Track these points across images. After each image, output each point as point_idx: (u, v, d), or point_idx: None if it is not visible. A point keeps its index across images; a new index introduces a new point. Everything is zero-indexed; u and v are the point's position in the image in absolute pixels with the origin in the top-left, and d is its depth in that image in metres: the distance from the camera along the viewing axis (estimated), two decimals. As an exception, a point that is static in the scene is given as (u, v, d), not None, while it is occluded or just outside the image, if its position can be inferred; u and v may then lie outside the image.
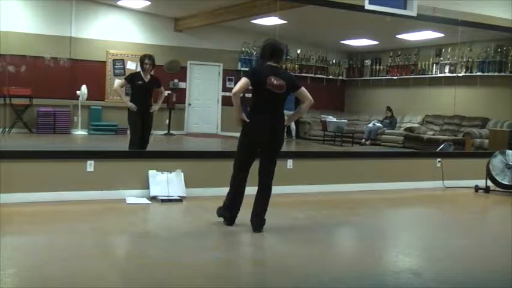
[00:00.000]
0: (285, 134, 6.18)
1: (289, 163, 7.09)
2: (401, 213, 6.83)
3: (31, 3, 11.63)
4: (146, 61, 7.06)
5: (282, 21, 9.81)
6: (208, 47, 13.24)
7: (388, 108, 13.53)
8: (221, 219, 5.10)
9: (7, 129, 10.99)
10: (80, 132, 11.64)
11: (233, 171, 5.00)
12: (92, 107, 12.06)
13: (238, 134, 5.05)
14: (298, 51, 14.54)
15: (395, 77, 13.99)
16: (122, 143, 7.22)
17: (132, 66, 11.90)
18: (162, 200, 6.10)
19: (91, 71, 12.07)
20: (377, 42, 13.70)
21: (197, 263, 3.99)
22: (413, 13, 8.32)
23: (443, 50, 12.76)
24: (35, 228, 4.88)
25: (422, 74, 13.25)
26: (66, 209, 5.61)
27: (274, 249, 4.66)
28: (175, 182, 6.31)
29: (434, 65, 12.98)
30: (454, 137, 11.64)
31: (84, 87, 11.39)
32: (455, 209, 7.01)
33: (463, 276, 4.00)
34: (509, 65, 11.52)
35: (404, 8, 8.33)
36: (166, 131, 12.45)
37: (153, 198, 6.15)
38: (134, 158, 6.52)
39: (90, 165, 6.06)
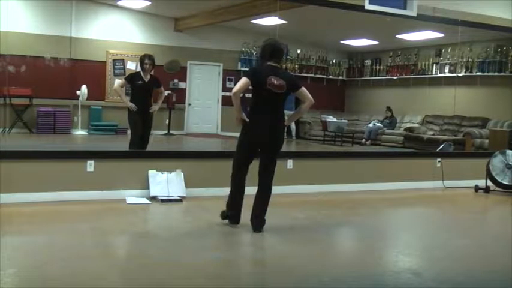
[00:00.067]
0: (285, 134, 6.18)
1: (289, 163, 7.09)
2: (401, 213, 6.83)
3: (31, 3, 11.63)
4: (146, 61, 7.06)
5: (282, 21, 9.81)
6: (208, 47, 13.24)
7: (388, 108, 13.54)
8: (221, 220, 5.09)
9: (7, 129, 10.99)
10: (80, 132, 11.64)
11: (232, 170, 5.00)
12: (92, 107, 12.06)
13: (238, 134, 5.05)
14: (298, 51, 14.55)
15: (395, 77, 13.99)
16: (122, 143, 7.22)
17: (132, 66, 11.90)
18: (162, 200, 6.10)
19: (91, 71, 12.07)
20: (377, 42, 13.70)
21: (197, 263, 3.99)
22: (413, 13, 8.32)
23: (443, 50, 12.76)
24: (35, 228, 4.88)
25: (422, 74, 13.25)
26: (66, 209, 5.61)
27: (274, 249, 4.66)
28: (175, 182, 6.31)
29: (434, 65, 12.98)
30: (454, 137, 11.64)
31: (84, 87, 11.39)
32: (455, 209, 7.01)
33: (463, 276, 4.00)
34: (509, 65, 11.52)
35: (404, 8, 8.33)
36: (166, 131, 12.45)
37: (153, 198, 6.15)
38: (134, 158, 6.52)
39: (90, 165, 6.06)
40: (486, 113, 11.80)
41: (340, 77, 15.25)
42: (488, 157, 7.87)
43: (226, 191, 5.55)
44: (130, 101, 7.09)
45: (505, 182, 7.62)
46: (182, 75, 13.29)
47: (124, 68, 12.40)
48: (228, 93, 11.80)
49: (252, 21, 11.58)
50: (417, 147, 11.71)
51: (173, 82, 13.03)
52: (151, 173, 6.28)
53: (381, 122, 13.58)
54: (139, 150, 6.87)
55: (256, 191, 4.95)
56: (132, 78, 7.19)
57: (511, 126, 10.84)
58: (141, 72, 7.13)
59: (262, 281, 3.79)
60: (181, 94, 13.24)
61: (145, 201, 6.05)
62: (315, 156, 8.04)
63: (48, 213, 5.44)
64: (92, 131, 11.84)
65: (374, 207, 6.74)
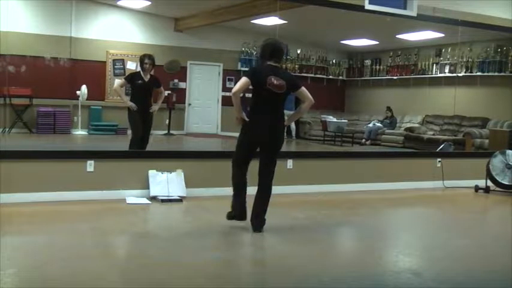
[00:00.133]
0: (285, 134, 6.18)
1: (289, 163, 7.09)
2: (401, 213, 6.83)
3: (31, 3, 11.63)
4: (146, 61, 7.06)
5: (282, 21, 9.81)
6: (208, 47, 13.24)
7: (388, 108, 13.54)
8: (223, 220, 5.08)
9: (7, 129, 10.99)
10: (80, 132, 11.64)
11: (232, 170, 4.98)
12: (92, 107, 12.06)
13: (238, 134, 5.05)
14: (298, 51, 14.55)
15: (395, 77, 13.99)
16: (122, 143, 7.22)
17: (132, 66, 11.90)
18: (162, 200, 6.10)
19: (91, 71, 12.07)
20: (377, 42, 13.70)
21: (197, 263, 3.99)
22: (413, 13, 8.32)
23: (443, 50, 12.76)
24: (35, 228, 4.88)
25: (422, 74, 13.25)
26: (66, 209, 5.61)
27: (274, 249, 4.66)
28: (175, 182, 6.31)
29: (434, 65, 12.98)
30: (454, 137, 11.64)
31: (84, 87, 11.39)
32: (455, 209, 7.01)
33: (463, 276, 4.00)
34: (509, 65, 11.52)
35: (404, 8, 8.33)
36: (166, 131, 12.45)
37: (153, 198, 6.15)
38: (134, 158, 6.52)
39: (90, 165, 6.06)
40: (486, 113, 11.80)
41: (340, 77, 15.25)
42: (488, 157, 7.87)
43: (226, 191, 5.56)
44: (130, 100, 7.10)
45: (505, 182, 7.62)
46: (182, 75, 13.29)
47: (124, 68, 12.40)
48: (228, 93, 11.80)
49: (252, 21, 11.58)
50: (417, 147, 11.71)
51: (173, 82, 13.03)
52: (151, 173, 6.28)
53: (381, 122, 13.58)
54: (139, 150, 6.88)
55: (256, 191, 4.94)
56: (132, 78, 7.20)
57: (511, 126, 10.84)
58: (141, 72, 7.13)
59: (262, 281, 3.79)
60: (181, 94, 13.24)
61: (145, 201, 6.05)
62: (315, 156, 8.04)
63: (48, 213, 5.44)
64: (92, 131, 11.84)
65: (374, 207, 6.74)
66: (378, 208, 6.77)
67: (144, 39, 12.62)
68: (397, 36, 12.27)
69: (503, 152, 7.78)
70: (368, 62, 14.84)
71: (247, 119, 4.82)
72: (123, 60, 12.53)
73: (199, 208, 6.03)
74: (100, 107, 12.19)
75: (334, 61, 15.14)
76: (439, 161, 8.23)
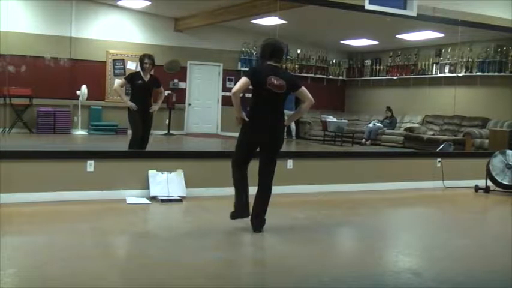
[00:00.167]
0: (285, 134, 6.18)
1: (289, 163, 7.09)
2: (401, 213, 6.83)
3: (31, 3, 11.63)
4: (146, 60, 7.06)
5: (282, 21, 9.81)
6: (208, 47, 13.24)
7: (388, 108, 13.54)
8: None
9: (7, 129, 10.99)
10: (80, 132, 11.64)
11: (232, 169, 4.98)
12: (92, 107, 12.06)
13: (238, 134, 5.04)
14: (298, 51, 14.55)
15: (395, 77, 13.99)
16: (122, 143, 7.22)
17: (132, 66, 11.90)
18: (162, 200, 6.10)
19: (91, 71, 12.07)
20: (377, 42, 13.70)
21: (197, 263, 3.99)
22: (413, 13, 8.32)
23: (443, 50, 12.75)
24: (35, 228, 4.88)
25: (422, 74, 13.25)
26: (66, 209, 5.61)
27: (274, 249, 4.66)
28: (175, 182, 6.31)
29: (434, 65, 12.98)
30: (454, 137, 11.64)
31: (84, 87, 11.39)
32: (455, 209, 7.01)
33: (463, 276, 4.00)
34: (509, 65, 11.52)
35: (404, 8, 8.33)
36: (166, 131, 12.45)
37: (153, 198, 6.15)
38: (134, 158, 6.52)
39: (90, 165, 6.06)
40: (486, 113, 11.80)
41: (340, 77, 15.25)
42: (488, 157, 7.87)
43: (226, 191, 5.57)
44: (130, 100, 7.10)
45: (505, 182, 7.62)
46: (182, 75, 13.28)
47: (124, 68, 12.40)
48: (228, 93, 11.79)
49: (252, 21, 11.58)
50: (417, 147, 11.71)
51: (173, 82, 13.03)
52: (151, 173, 6.28)
53: (381, 122, 13.58)
54: (139, 150, 6.87)
55: (256, 191, 4.93)
56: (132, 78, 7.20)
57: (511, 126, 10.84)
58: (141, 72, 7.13)
59: (262, 281, 3.79)
60: (181, 94, 13.24)
61: (145, 201, 6.05)
62: (315, 156, 8.04)
63: (48, 213, 5.44)
64: (92, 131, 11.84)
65: (374, 207, 6.74)
66: (378, 208, 6.77)
67: (144, 39, 12.62)
68: (397, 36, 12.27)
69: (503, 152, 7.78)
70: (368, 62, 14.83)
71: (247, 119, 4.82)
72: (123, 60, 12.53)
73: (199, 208, 6.03)
74: (100, 107, 12.19)
75: (334, 61, 15.13)
76: (439, 161, 8.23)
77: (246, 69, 12.51)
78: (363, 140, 13.23)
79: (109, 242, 4.61)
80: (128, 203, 5.92)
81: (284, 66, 12.92)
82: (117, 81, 8.30)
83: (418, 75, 13.35)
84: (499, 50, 11.67)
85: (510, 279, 4.01)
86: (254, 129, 4.84)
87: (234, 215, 4.97)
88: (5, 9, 10.61)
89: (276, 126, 4.88)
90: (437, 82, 12.84)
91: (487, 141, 10.59)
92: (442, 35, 11.38)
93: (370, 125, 13.54)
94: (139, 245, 4.59)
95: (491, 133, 10.58)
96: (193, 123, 13.55)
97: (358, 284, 3.74)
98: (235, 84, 4.82)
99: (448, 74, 12.58)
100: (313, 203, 6.64)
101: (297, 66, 14.36)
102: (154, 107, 7.23)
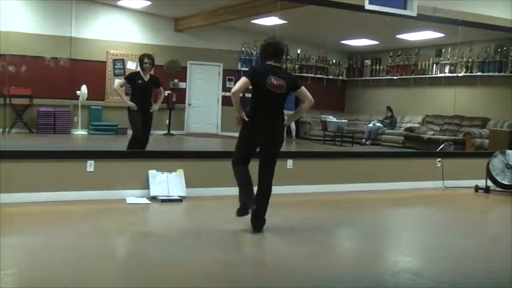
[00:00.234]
0: (285, 134, 6.17)
1: (289, 163, 7.09)
2: (401, 213, 6.83)
3: (31, 3, 11.62)
4: (145, 60, 7.06)
5: (282, 21, 9.81)
6: (208, 47, 13.24)
7: (388, 108, 13.54)
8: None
9: (7, 129, 10.99)
10: (80, 132, 11.64)
11: (233, 169, 4.96)
12: (92, 107, 12.06)
13: (238, 134, 5.04)
14: (298, 51, 14.54)
15: (395, 77, 13.98)
16: (122, 143, 7.23)
17: (132, 66, 11.90)
18: (162, 200, 6.10)
19: (91, 71, 12.06)
20: (377, 42, 13.70)
21: (197, 263, 3.99)
22: (413, 13, 8.32)
23: (443, 50, 12.75)
24: (35, 228, 4.88)
25: (422, 74, 13.24)
26: (66, 209, 5.61)
27: (274, 249, 4.66)
28: (175, 182, 6.31)
29: (434, 65, 12.97)
30: (454, 137, 11.64)
31: (84, 87, 11.38)
32: (455, 209, 7.01)
33: (463, 276, 3.99)
34: (509, 65, 11.51)
35: (404, 8, 8.33)
36: (166, 131, 12.44)
37: (153, 198, 6.15)
38: (134, 158, 6.52)
39: (90, 165, 6.06)
40: (486, 113, 11.79)
41: (340, 77, 15.24)
42: (488, 157, 7.87)
43: (226, 191, 5.57)
44: (130, 100, 7.10)
45: (505, 182, 7.62)
46: (182, 75, 13.28)
47: (124, 68, 12.39)
48: (228, 93, 11.76)
49: (252, 21, 11.58)
50: (417, 147, 11.71)
51: (173, 82, 13.02)
52: (152, 173, 6.28)
53: (381, 122, 13.58)
54: (139, 150, 6.87)
55: (256, 191, 4.93)
56: (132, 78, 7.20)
57: (511, 126, 10.84)
58: (141, 72, 7.13)
59: (262, 281, 3.79)
60: (181, 94, 13.23)
61: (145, 201, 6.05)
62: (315, 156, 8.04)
63: (48, 213, 5.44)
64: (92, 131, 11.83)
65: (374, 207, 6.74)
66: (378, 208, 6.77)
67: (144, 39, 12.62)
68: (397, 36, 12.27)
69: (503, 152, 7.78)
70: (368, 62, 14.83)
71: (247, 119, 4.82)
72: (123, 60, 12.53)
73: (199, 208, 6.03)
74: (100, 107, 12.19)
75: (334, 61, 15.13)
76: (439, 161, 8.23)
77: (246, 69, 12.50)
78: (363, 140, 13.23)
79: (109, 242, 4.61)
80: (128, 203, 5.92)
81: (284, 66, 12.91)
82: (117, 81, 8.30)
83: (418, 75, 13.34)
84: (499, 50, 11.67)
85: (510, 279, 4.01)
86: (254, 129, 4.84)
87: (240, 212, 4.88)
88: (5, 9, 10.61)
89: (276, 126, 4.88)
90: (437, 82, 12.83)
91: (487, 141, 10.59)
92: (442, 35, 11.37)
93: (370, 125, 13.54)
94: (139, 245, 4.60)
95: (491, 133, 10.57)
96: (194, 123, 13.54)
97: (358, 284, 3.74)
98: (235, 84, 4.82)
99: (448, 74, 12.57)
100: (313, 203, 6.64)
101: (297, 66, 14.35)
102: (154, 107, 7.23)
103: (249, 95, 4.94)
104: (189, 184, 6.36)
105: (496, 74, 11.66)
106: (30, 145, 9.52)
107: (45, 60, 11.62)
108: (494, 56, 11.75)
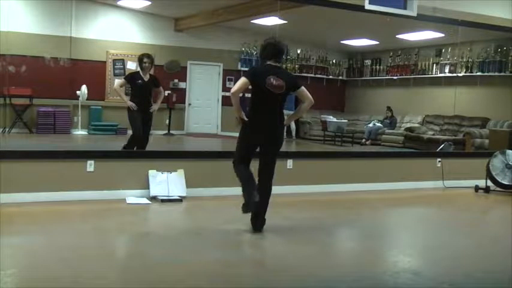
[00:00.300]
0: (285, 134, 6.17)
1: (289, 163, 7.09)
2: (402, 213, 6.83)
3: (31, 3, 11.62)
4: (145, 60, 7.06)
5: (282, 21, 9.81)
6: (208, 47, 13.23)
7: (388, 108, 13.54)
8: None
9: (7, 129, 10.99)
10: (80, 132, 11.64)
11: (234, 168, 4.96)
12: (92, 107, 12.05)
13: (238, 134, 5.04)
14: (298, 51, 14.54)
15: (395, 77, 13.98)
16: (122, 143, 7.22)
17: (132, 66, 11.88)
18: (162, 200, 6.10)
19: (91, 71, 12.06)
20: (377, 42, 13.70)
21: (197, 263, 3.99)
22: (413, 13, 8.32)
23: (443, 50, 12.75)
24: (35, 228, 4.88)
25: (422, 74, 13.24)
26: (66, 209, 5.61)
27: (274, 249, 4.66)
28: (175, 182, 6.31)
29: (434, 65, 12.97)
30: (454, 137, 11.64)
31: (84, 87, 11.38)
32: (456, 209, 7.01)
33: (463, 276, 3.99)
34: (509, 65, 11.51)
35: (404, 8, 8.33)
36: (166, 131, 12.44)
37: (153, 198, 6.14)
38: (134, 158, 6.52)
39: (90, 165, 6.06)
40: (486, 113, 11.79)
41: (340, 77, 15.24)
42: (488, 157, 7.87)
43: (226, 191, 5.57)
44: (130, 100, 7.09)
45: (505, 182, 7.62)
46: (182, 75, 13.27)
47: (124, 68, 12.39)
48: (228, 93, 11.76)
49: (252, 21, 11.58)
50: (417, 147, 11.71)
51: (173, 82, 13.02)
52: (152, 173, 6.28)
53: (381, 122, 13.58)
54: (140, 150, 6.87)
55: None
56: (131, 78, 7.20)
57: (511, 126, 10.84)
58: (141, 72, 7.13)
59: (262, 281, 3.79)
60: (181, 94, 13.22)
61: (145, 201, 6.05)
62: (315, 156, 8.04)
63: (48, 213, 5.44)
64: (92, 131, 11.83)
65: (374, 207, 6.74)
66: (378, 208, 6.77)
67: (144, 39, 12.61)
68: (397, 36, 12.27)
69: (503, 152, 7.78)
70: (368, 62, 14.83)
71: (246, 119, 4.82)
72: (123, 60, 12.53)
73: (199, 208, 6.03)
74: (100, 107, 12.19)
75: (334, 61, 15.12)
76: (439, 161, 8.22)
77: (246, 69, 12.50)
78: (363, 140, 13.24)
79: (109, 242, 4.61)
80: (128, 203, 5.92)
81: (284, 66, 12.91)
82: (117, 81, 8.30)
83: (418, 75, 13.34)
84: (499, 50, 11.67)
85: (510, 279, 4.01)
86: (254, 129, 4.84)
87: (245, 209, 4.85)
88: (5, 9, 10.61)
89: (276, 126, 4.88)
90: (437, 82, 12.83)
91: (487, 141, 10.59)
92: (442, 35, 11.37)
93: (370, 125, 13.54)
94: (139, 245, 4.59)
95: (491, 133, 10.58)
96: (194, 123, 13.54)
97: (358, 284, 3.74)
98: (235, 84, 4.82)
99: (448, 74, 12.57)
100: (313, 203, 6.64)
101: (297, 66, 14.35)
102: (154, 107, 7.23)
103: (249, 95, 4.94)
104: (189, 184, 6.36)
105: (496, 74, 11.66)
106: (30, 145, 9.52)
107: (45, 60, 11.61)
108: (494, 56, 11.75)
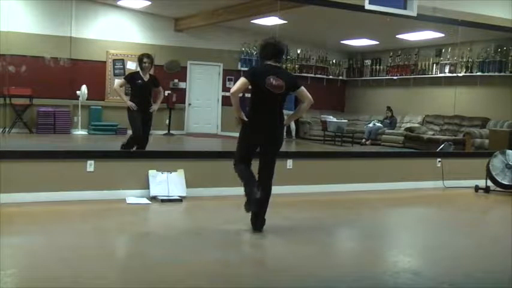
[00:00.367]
0: (285, 134, 6.17)
1: (289, 163, 7.09)
2: (402, 213, 6.83)
3: (31, 3, 11.62)
4: (145, 60, 7.06)
5: (282, 21, 9.81)
6: (208, 47, 13.23)
7: (388, 108, 13.54)
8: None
9: (7, 129, 10.99)
10: (80, 132, 11.64)
11: (234, 168, 4.97)
12: (92, 107, 12.05)
13: (238, 134, 5.04)
14: (298, 51, 14.54)
15: (395, 77, 13.98)
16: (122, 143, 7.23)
17: (132, 66, 11.88)
18: (162, 200, 6.10)
19: (91, 71, 12.06)
20: (377, 42, 13.70)
21: (197, 263, 3.99)
22: (413, 13, 8.32)
23: (443, 50, 12.75)
24: (35, 228, 4.88)
25: (422, 74, 13.24)
26: (66, 209, 5.61)
27: (274, 249, 4.66)
28: (175, 182, 6.31)
29: (434, 65, 12.98)
30: (454, 137, 11.64)
31: (84, 87, 11.38)
32: (455, 209, 7.01)
33: (463, 276, 3.99)
34: (509, 65, 11.51)
35: (404, 8, 8.33)
36: (166, 131, 12.44)
37: (153, 198, 6.14)
38: (134, 158, 6.52)
39: (90, 165, 6.06)
40: (486, 113, 11.79)
41: (340, 77, 15.24)
42: (488, 157, 7.87)
43: (226, 191, 5.56)
44: (130, 100, 7.09)
45: (505, 182, 7.62)
46: (182, 75, 13.27)
47: (124, 68, 12.38)
48: (228, 93, 11.77)
49: (252, 21, 11.58)
50: (417, 147, 11.70)
51: (173, 82, 13.02)
52: (152, 173, 6.28)
53: (381, 122, 13.58)
54: (140, 150, 6.87)
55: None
56: (131, 78, 7.19)
57: (511, 126, 10.84)
58: (140, 72, 7.13)
59: (262, 281, 3.79)
60: (181, 94, 13.22)
61: (145, 201, 6.05)
62: (315, 156, 8.04)
63: (48, 213, 5.44)
64: (92, 131, 11.83)
65: (374, 207, 6.74)
66: (378, 208, 6.77)
67: (144, 39, 12.61)
68: (397, 36, 12.27)
69: (503, 152, 7.78)
70: (368, 62, 14.83)
71: (246, 119, 4.82)
72: (123, 60, 12.53)
73: (199, 208, 6.03)
74: (100, 107, 12.18)
75: (334, 61, 15.13)
76: (439, 161, 8.22)
77: (246, 69, 12.50)
78: (363, 140, 13.24)
79: (109, 242, 4.61)
80: (128, 203, 5.92)
81: (284, 66, 12.91)
82: (117, 81, 8.30)
83: (418, 75, 13.34)
84: (499, 50, 11.67)
85: (510, 279, 4.01)
86: (254, 129, 4.84)
87: (247, 207, 4.85)
88: (5, 9, 10.61)
89: (276, 126, 4.88)
90: (437, 82, 12.83)
91: (487, 141, 10.59)
92: (442, 35, 11.37)
93: (370, 125, 13.54)
94: (139, 245, 4.59)
95: (491, 133, 10.58)
96: (194, 123, 13.54)
97: (358, 284, 3.74)
98: (235, 84, 4.81)
99: (448, 74, 12.58)
100: (313, 203, 6.64)
101: (297, 66, 14.35)
102: (154, 107, 7.22)
103: (249, 95, 4.94)
104: (189, 184, 6.36)
105: (496, 74, 11.66)
106: (30, 145, 9.52)
107: (45, 60, 11.61)
108: (494, 56, 11.75)
